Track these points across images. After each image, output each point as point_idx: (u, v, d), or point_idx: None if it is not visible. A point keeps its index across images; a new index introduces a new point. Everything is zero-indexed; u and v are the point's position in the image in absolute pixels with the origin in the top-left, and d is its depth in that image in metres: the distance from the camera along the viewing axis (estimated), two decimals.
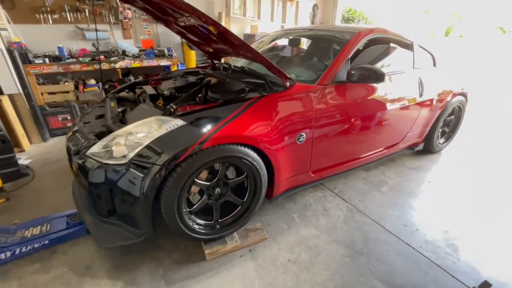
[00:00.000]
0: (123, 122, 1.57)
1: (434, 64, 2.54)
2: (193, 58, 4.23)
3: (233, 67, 2.25)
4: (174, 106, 1.64)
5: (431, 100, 2.41)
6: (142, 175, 1.24)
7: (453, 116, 2.85)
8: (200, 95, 1.74)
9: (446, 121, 2.79)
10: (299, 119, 1.64)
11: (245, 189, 1.64)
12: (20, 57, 2.86)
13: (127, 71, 3.77)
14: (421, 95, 2.29)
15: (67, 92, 3.28)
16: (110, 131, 1.48)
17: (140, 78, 2.50)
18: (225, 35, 1.51)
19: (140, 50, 3.87)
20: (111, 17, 3.66)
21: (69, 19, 3.43)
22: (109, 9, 3.64)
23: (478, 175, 2.56)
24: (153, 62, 3.65)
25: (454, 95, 2.60)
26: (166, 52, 3.77)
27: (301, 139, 1.67)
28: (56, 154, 2.83)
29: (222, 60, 2.68)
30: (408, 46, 2.32)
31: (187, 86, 1.95)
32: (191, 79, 2.09)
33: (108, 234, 1.37)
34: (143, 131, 1.35)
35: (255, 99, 1.54)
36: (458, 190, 2.29)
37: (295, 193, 2.01)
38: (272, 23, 4.98)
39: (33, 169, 2.50)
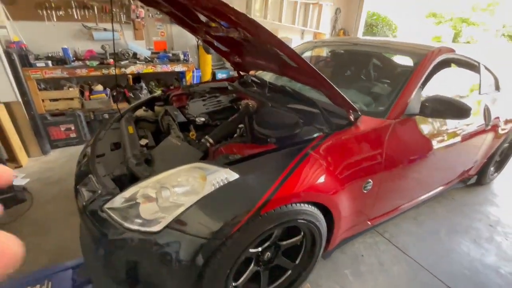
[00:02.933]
0: (148, 161, 1.24)
1: (497, 88, 2.21)
2: (209, 63, 3.87)
3: (269, 84, 1.92)
4: (211, 141, 1.32)
5: (495, 129, 2.09)
6: (182, 250, 0.91)
7: (507, 143, 2.54)
8: (242, 126, 1.42)
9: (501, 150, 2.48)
10: (368, 163, 1.31)
11: (296, 248, 1.32)
12: (20, 59, 2.51)
13: (137, 76, 3.42)
14: (487, 125, 1.97)
15: (71, 99, 2.93)
16: (133, 176, 1.15)
17: (158, 92, 2.16)
18: (292, 59, 1.16)
19: (152, 53, 3.52)
20: (122, 15, 3.30)
21: (76, 17, 3.07)
22: (120, 7, 3.28)
23: None
24: (167, 68, 3.30)
25: None
26: (181, 56, 3.41)
27: (368, 187, 1.34)
28: (58, 171, 2.50)
29: (250, 73, 2.35)
30: (474, 67, 1.99)
31: (221, 110, 1.62)
32: (223, 100, 1.75)
33: None
34: (181, 184, 1.02)
35: (319, 139, 1.21)
36: None
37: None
38: (293, 27, 4.63)
39: (31, 192, 2.16)
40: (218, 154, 1.21)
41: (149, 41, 3.62)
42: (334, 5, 5.04)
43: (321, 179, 1.13)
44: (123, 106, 3.20)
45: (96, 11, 3.13)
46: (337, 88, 1.16)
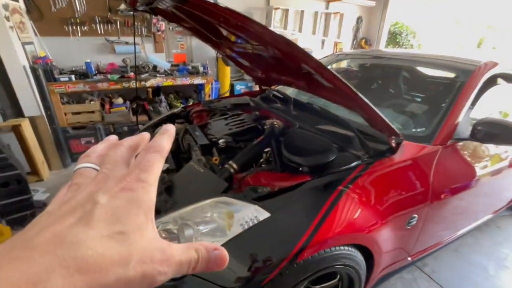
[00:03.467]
0: (169, 189, 1.15)
1: None
2: (228, 75, 3.83)
3: (293, 101, 1.80)
4: (235, 166, 1.21)
5: None
6: None
7: None
8: (268, 150, 1.30)
9: None
10: (413, 196, 1.15)
11: None
12: (45, 74, 2.55)
13: (156, 89, 3.42)
14: None
15: (93, 112, 2.94)
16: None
17: (178, 108, 2.10)
18: (330, 81, 1.04)
19: (172, 65, 3.51)
20: (143, 29, 3.33)
21: (99, 31, 3.12)
22: (142, 20, 3.31)
23: None
24: (186, 80, 3.27)
25: None
26: (200, 68, 3.38)
27: (412, 222, 1.18)
28: None
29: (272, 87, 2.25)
30: None
31: (245, 131, 1.51)
32: (247, 118, 1.65)
33: None
34: (206, 221, 0.91)
35: (358, 171, 1.06)
36: None
37: None
38: (314, 37, 4.52)
39: None
40: (245, 185, 1.09)
41: (169, 53, 3.62)
42: (355, 14, 4.89)
43: (362, 218, 0.99)
44: (143, 119, 3.19)
45: (118, 25, 3.17)
46: (379, 112, 1.02)
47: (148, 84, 3.07)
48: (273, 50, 1.15)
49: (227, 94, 3.92)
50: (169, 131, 0.28)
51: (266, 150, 1.31)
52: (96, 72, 3.08)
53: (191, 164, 1.23)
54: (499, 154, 1.53)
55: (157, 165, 0.24)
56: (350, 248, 0.99)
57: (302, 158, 1.12)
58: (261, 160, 1.29)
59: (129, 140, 0.28)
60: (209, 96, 3.54)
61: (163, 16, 1.55)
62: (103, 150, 0.27)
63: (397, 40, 5.34)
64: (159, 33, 3.40)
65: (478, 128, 1.26)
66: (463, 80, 1.42)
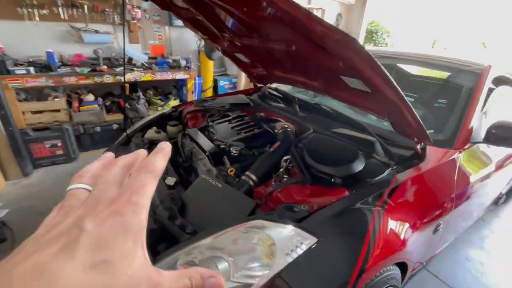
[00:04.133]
0: (183, 210, 0.97)
1: None
2: (211, 70, 3.59)
3: (298, 100, 1.69)
4: (254, 178, 1.07)
5: None
6: None
7: None
8: (287, 159, 1.17)
9: None
10: (441, 203, 1.12)
11: None
12: None
13: (132, 84, 3.08)
14: None
15: (58, 111, 2.55)
16: (163, 231, 0.88)
17: (169, 109, 1.87)
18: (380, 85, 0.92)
19: (149, 58, 3.19)
20: (115, 16, 2.95)
21: (62, 16, 2.69)
22: (114, 6, 2.92)
23: None
24: (168, 75, 2.98)
25: None
26: (182, 62, 3.11)
27: (438, 229, 1.15)
28: (44, 198, 2.13)
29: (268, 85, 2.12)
30: None
31: (256, 135, 1.37)
32: (253, 121, 1.50)
33: None
34: (240, 250, 0.77)
35: (394, 182, 0.99)
36: None
37: None
38: None
39: (11, 228, 1.80)
40: (274, 202, 0.96)
41: (145, 45, 3.28)
42: (336, 10, 4.92)
43: (402, 234, 0.92)
44: (115, 118, 2.85)
45: (86, 10, 2.77)
46: (419, 119, 0.95)
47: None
48: (303, 46, 1.02)
49: (211, 90, 3.69)
50: (165, 149, 0.27)
51: (285, 158, 1.18)
52: (60, 64, 2.66)
53: (204, 177, 1.06)
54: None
55: (150, 186, 0.23)
56: (392, 267, 0.91)
57: (332, 168, 1.02)
58: (281, 169, 1.15)
59: (124, 159, 0.27)
60: (192, 93, 3.29)
61: (158, 4, 1.32)
62: (98, 170, 0.27)
63: (374, 38, 5.50)
64: (134, 21, 3.05)
65: (493, 131, 1.27)
66: (473, 83, 1.42)
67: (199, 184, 1.04)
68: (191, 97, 3.31)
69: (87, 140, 2.76)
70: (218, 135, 1.35)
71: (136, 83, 2.99)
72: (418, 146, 1.12)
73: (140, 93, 2.95)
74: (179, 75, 3.05)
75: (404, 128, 1.10)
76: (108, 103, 2.86)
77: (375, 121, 1.46)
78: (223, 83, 3.75)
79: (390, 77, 0.79)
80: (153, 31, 3.28)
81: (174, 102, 3.25)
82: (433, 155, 1.15)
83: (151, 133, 1.59)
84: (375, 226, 0.85)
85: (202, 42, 3.36)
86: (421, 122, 0.96)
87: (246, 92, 2.18)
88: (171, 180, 1.11)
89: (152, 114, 1.91)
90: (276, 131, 1.37)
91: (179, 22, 3.36)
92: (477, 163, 1.39)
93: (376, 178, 1.01)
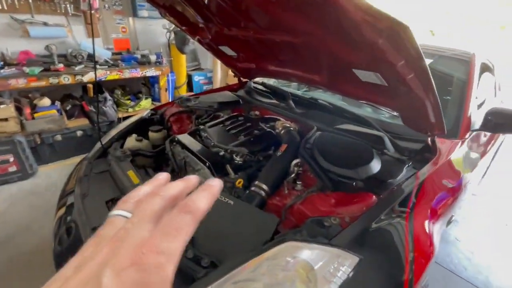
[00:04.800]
0: (193, 238, 0.81)
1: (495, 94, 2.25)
2: (184, 64, 3.32)
3: (291, 96, 1.58)
4: (266, 188, 0.96)
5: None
6: None
7: None
8: (297, 162, 1.06)
9: None
10: (454, 194, 1.10)
11: None
12: None
13: (97, 83, 2.72)
14: None
15: (5, 120, 2.15)
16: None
17: (147, 112, 1.64)
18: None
19: (113, 54, 2.84)
20: (68, 6, 2.55)
21: (1, 6, 2.25)
22: None
23: None
24: (137, 72, 2.68)
25: None
26: (152, 57, 2.81)
27: (451, 221, 1.14)
28: None
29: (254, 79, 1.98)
30: (491, 71, 1.96)
31: (258, 138, 1.24)
32: (250, 122, 1.36)
33: None
34: (272, 283, 0.65)
35: (417, 183, 0.93)
36: None
37: None
38: None
39: None
40: (296, 215, 0.85)
41: (107, 39, 2.92)
42: None
43: (433, 235, 0.87)
44: (78, 123, 2.51)
45: None
46: (442, 113, 0.89)
47: (86, 78, 2.40)
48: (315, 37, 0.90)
49: (185, 87, 3.43)
50: (213, 187, 0.25)
51: (294, 162, 1.07)
52: (3, 63, 2.24)
53: None
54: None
55: (186, 230, 0.22)
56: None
57: (352, 170, 0.93)
58: (292, 175, 1.04)
59: (171, 188, 0.25)
60: (165, 90, 3.02)
61: None
62: (144, 196, 0.26)
63: None
64: (92, 12, 2.67)
65: (489, 118, 1.28)
66: (466, 70, 1.43)
67: None
68: (165, 95, 3.04)
69: (46, 151, 2.39)
70: (214, 140, 1.19)
71: (100, 82, 2.65)
72: (429, 139, 1.09)
73: (106, 94, 2.62)
74: (150, 72, 2.77)
75: (417, 121, 1.05)
76: (68, 107, 2.49)
77: (371, 113, 1.42)
78: (197, 78, 3.51)
79: (430, 72, 0.71)
80: (115, 23, 2.92)
81: (146, 102, 2.95)
82: (444, 147, 1.12)
83: (131, 142, 1.38)
84: (410, 233, 0.78)
85: (172, 35, 3.08)
86: (443, 115, 0.91)
87: (230, 88, 2.02)
88: None
89: (121, 117, 1.68)
90: (277, 131, 1.26)
91: (145, 13, 3.04)
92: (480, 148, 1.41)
93: (397, 178, 0.94)
